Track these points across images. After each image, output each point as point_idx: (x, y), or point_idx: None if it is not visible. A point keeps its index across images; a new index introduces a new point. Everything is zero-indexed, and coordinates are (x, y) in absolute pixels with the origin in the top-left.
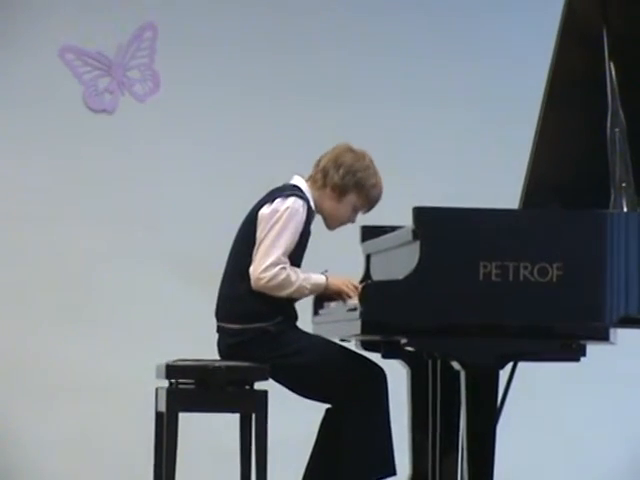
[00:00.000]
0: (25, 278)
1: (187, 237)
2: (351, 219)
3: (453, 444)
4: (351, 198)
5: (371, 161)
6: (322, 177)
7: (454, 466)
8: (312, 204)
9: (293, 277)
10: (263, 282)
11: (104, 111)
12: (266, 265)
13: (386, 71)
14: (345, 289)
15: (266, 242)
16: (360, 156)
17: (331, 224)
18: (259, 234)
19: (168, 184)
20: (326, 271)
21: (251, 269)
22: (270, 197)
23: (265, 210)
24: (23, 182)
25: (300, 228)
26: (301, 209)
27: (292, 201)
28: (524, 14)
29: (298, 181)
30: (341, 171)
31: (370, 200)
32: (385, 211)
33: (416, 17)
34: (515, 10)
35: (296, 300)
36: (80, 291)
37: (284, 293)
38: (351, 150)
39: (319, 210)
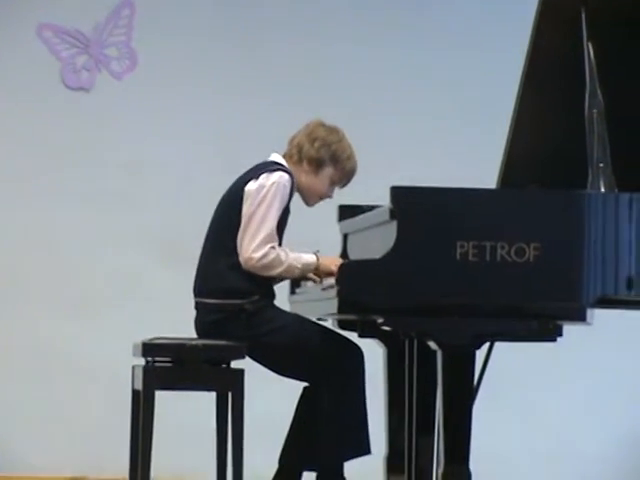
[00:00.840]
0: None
1: (165, 216)
2: (329, 193)
3: (429, 424)
4: (328, 171)
5: (344, 135)
6: (297, 152)
7: (430, 446)
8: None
9: (283, 256)
10: (253, 262)
11: (81, 88)
12: (256, 244)
13: (369, 53)
14: (335, 270)
15: (254, 221)
16: (333, 130)
17: (309, 200)
18: (246, 210)
19: (145, 162)
20: (318, 251)
21: (240, 249)
22: (255, 173)
23: (252, 186)
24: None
25: (285, 202)
26: (287, 183)
27: (278, 176)
28: None
29: (277, 158)
30: (316, 144)
31: (346, 173)
32: (363, 191)
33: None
34: None
35: (281, 280)
36: (57, 272)
37: (274, 272)
38: (324, 125)
39: (296, 187)
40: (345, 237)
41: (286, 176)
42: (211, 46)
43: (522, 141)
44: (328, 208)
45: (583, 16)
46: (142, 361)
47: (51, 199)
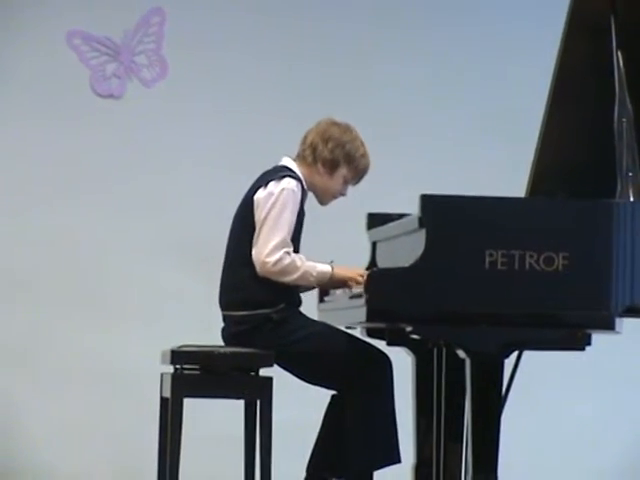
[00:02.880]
0: (30, 264)
1: (194, 223)
2: (343, 192)
3: (458, 432)
4: (342, 171)
5: (356, 132)
6: (311, 153)
7: (458, 454)
8: (304, 182)
9: (298, 262)
10: (268, 266)
11: (111, 96)
12: (270, 249)
13: (396, 62)
14: (352, 277)
15: (267, 226)
16: (346, 128)
17: (324, 199)
18: (257, 218)
19: (174, 170)
20: (332, 262)
21: (254, 254)
22: (263, 181)
23: (260, 194)
24: (30, 166)
25: (297, 208)
26: (296, 189)
27: (286, 182)
28: (533, 3)
29: (287, 162)
30: (330, 145)
31: (360, 171)
32: (392, 199)
33: (424, 5)
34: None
35: (302, 289)
36: (86, 277)
37: (289, 278)
38: (336, 123)
39: (311, 187)
40: (374, 245)
41: (294, 182)
42: (241, 53)
43: (551, 150)
44: (357, 216)
45: (613, 25)
46: (170, 369)
47: (81, 206)
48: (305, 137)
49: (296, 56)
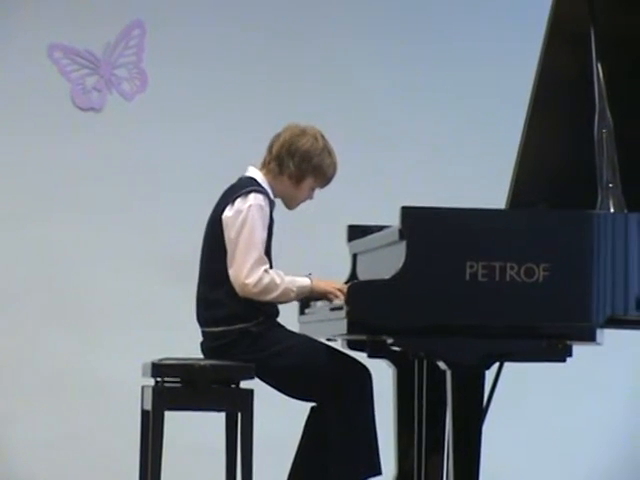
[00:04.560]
0: (10, 276)
1: (173, 236)
2: (310, 197)
3: (439, 444)
4: (309, 182)
5: (323, 138)
6: (277, 166)
7: (439, 466)
8: (270, 193)
9: (278, 280)
10: (249, 288)
11: (92, 109)
12: (248, 269)
13: (378, 74)
14: (331, 290)
15: (240, 246)
16: (312, 137)
17: (290, 206)
18: (228, 238)
19: (155, 183)
20: (310, 274)
21: (232, 277)
22: (229, 197)
23: (228, 213)
24: (10, 180)
25: (267, 222)
26: (263, 203)
27: (253, 197)
28: (512, 13)
29: (253, 172)
30: (296, 159)
31: (327, 179)
32: (372, 211)
33: (403, 14)
34: (503, 10)
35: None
36: (66, 290)
37: (270, 297)
38: (302, 132)
39: (277, 194)
40: (354, 257)
41: (261, 196)
42: (221, 66)
43: (531, 161)
44: (338, 228)
45: (592, 35)
46: (151, 381)
47: (61, 219)
48: (271, 146)
49: (277, 68)
